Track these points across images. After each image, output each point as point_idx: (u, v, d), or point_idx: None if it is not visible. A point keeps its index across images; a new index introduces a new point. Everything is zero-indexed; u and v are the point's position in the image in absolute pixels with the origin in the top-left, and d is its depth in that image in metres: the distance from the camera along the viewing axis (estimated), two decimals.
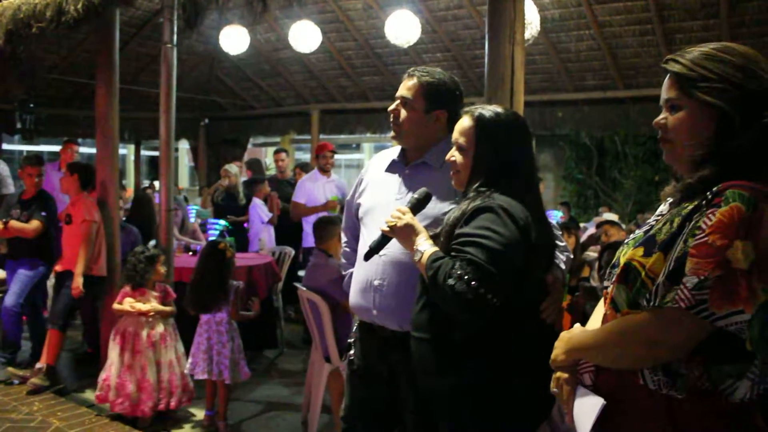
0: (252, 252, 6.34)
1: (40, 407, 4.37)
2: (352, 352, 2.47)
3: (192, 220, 7.42)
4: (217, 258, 4.11)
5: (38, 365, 4.67)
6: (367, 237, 2.33)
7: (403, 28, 6.09)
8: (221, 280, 4.06)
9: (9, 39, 5.12)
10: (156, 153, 15.19)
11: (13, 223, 4.94)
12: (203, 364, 3.97)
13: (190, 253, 5.81)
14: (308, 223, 6.04)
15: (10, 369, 4.84)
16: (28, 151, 12.32)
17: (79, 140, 13.79)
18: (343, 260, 2.69)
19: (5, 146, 11.09)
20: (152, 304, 4.12)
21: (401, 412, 2.33)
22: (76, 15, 4.62)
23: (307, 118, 9.65)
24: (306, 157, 12.01)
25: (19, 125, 9.34)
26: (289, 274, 6.05)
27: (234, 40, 7.13)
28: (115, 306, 4.12)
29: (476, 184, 1.98)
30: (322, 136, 9.43)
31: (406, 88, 2.34)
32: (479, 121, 2.02)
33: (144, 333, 4.06)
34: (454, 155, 2.06)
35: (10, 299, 4.91)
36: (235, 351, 4.01)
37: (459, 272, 1.79)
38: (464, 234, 1.87)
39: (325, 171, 6.40)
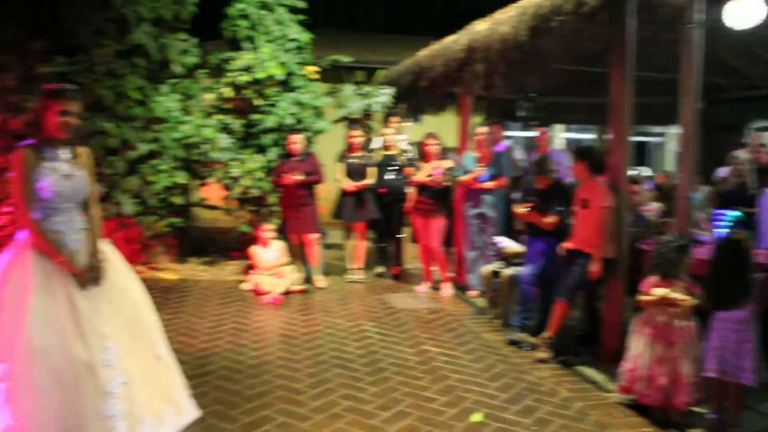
0: (764, 249, 5.77)
1: (548, 375, 4.78)
2: None
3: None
4: (734, 251, 3.87)
5: (544, 335, 5.08)
6: None
7: None
8: (740, 274, 3.81)
9: (532, 34, 5.60)
10: (640, 138, 15.08)
11: (533, 214, 5.57)
12: (715, 363, 3.79)
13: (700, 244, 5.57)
14: None
15: (522, 335, 5.39)
16: (526, 137, 13.45)
17: (571, 126, 14.58)
18: None
19: (508, 132, 12.25)
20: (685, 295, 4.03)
21: None
22: (594, 4, 4.81)
23: None
24: None
25: (520, 113, 10.25)
26: None
27: (742, 13, 6.50)
28: (643, 298, 4.14)
29: None
30: None
31: None
32: None
33: (676, 324, 4.01)
34: None
35: (526, 270, 5.51)
36: (756, 351, 3.72)
37: None
38: None
39: None
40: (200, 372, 4.60)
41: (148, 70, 7.54)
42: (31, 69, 6.97)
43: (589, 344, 5.24)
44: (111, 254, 3.50)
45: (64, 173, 3.27)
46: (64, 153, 3.31)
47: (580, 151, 5.40)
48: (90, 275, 3.26)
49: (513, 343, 5.39)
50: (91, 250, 3.33)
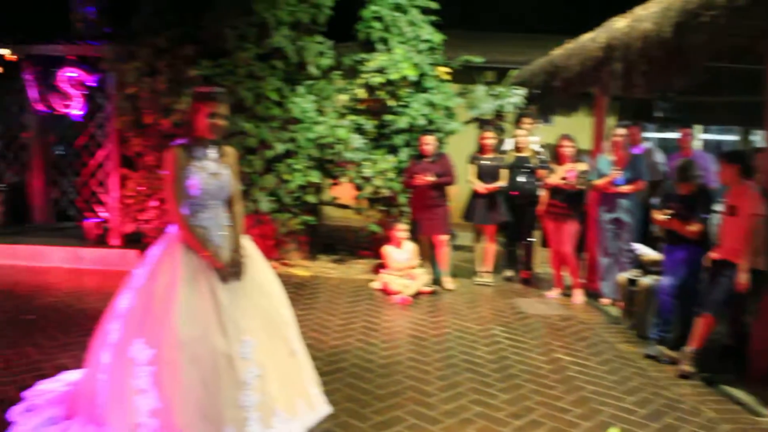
0: None
1: (690, 392, 4.55)
2: None
3: None
4: None
5: (686, 349, 4.82)
6: None
7: None
8: None
9: (677, 30, 5.32)
10: None
11: (675, 222, 5.29)
12: None
13: None
14: None
15: (661, 347, 5.13)
16: (661, 139, 12.84)
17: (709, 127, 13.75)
18: None
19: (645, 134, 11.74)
20: None
21: None
22: None
23: None
24: None
25: (657, 113, 9.77)
26: None
27: None
28: None
29: None
30: None
31: None
32: None
33: None
34: None
35: (666, 281, 5.26)
36: None
37: None
38: None
39: None
40: (332, 369, 4.72)
41: (286, 72, 7.84)
42: (180, 73, 7.42)
43: (735, 361, 4.92)
44: (252, 250, 3.64)
45: (212, 172, 3.44)
46: (212, 152, 3.50)
47: (730, 155, 5.08)
48: (232, 270, 3.42)
49: (650, 357, 5.14)
50: (233, 246, 3.49)
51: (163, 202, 7.79)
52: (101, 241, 8.46)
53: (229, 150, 3.61)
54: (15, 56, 8.55)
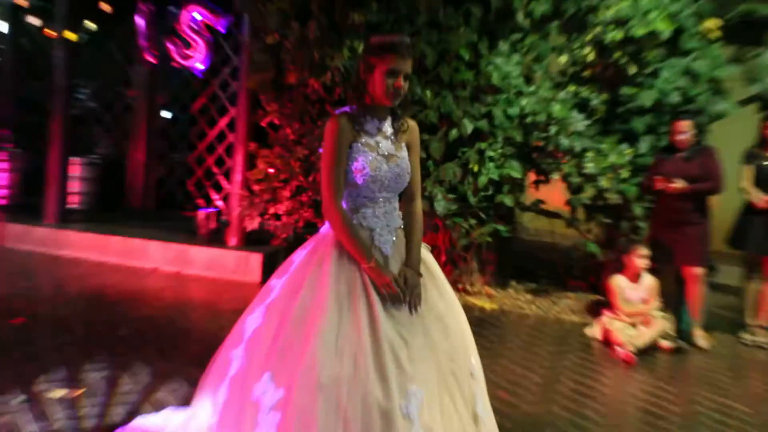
0: None
1: None
2: None
3: None
4: None
5: None
6: None
7: None
8: None
9: None
10: None
11: None
12: None
13: None
14: None
15: None
16: None
17: None
18: None
19: None
20: None
21: None
22: None
23: None
24: None
25: None
26: None
27: None
28: None
29: None
30: None
31: None
32: None
33: None
34: None
35: None
36: None
37: None
38: None
39: None
40: None
41: (484, 21, 7.96)
42: (340, 17, 7.76)
43: None
44: (433, 267, 3.66)
45: (385, 153, 3.49)
46: (387, 126, 3.54)
47: None
48: (403, 290, 3.40)
49: None
50: (408, 258, 3.53)
51: (304, 191, 8.19)
52: (215, 239, 9.03)
53: (411, 124, 3.64)
54: None
